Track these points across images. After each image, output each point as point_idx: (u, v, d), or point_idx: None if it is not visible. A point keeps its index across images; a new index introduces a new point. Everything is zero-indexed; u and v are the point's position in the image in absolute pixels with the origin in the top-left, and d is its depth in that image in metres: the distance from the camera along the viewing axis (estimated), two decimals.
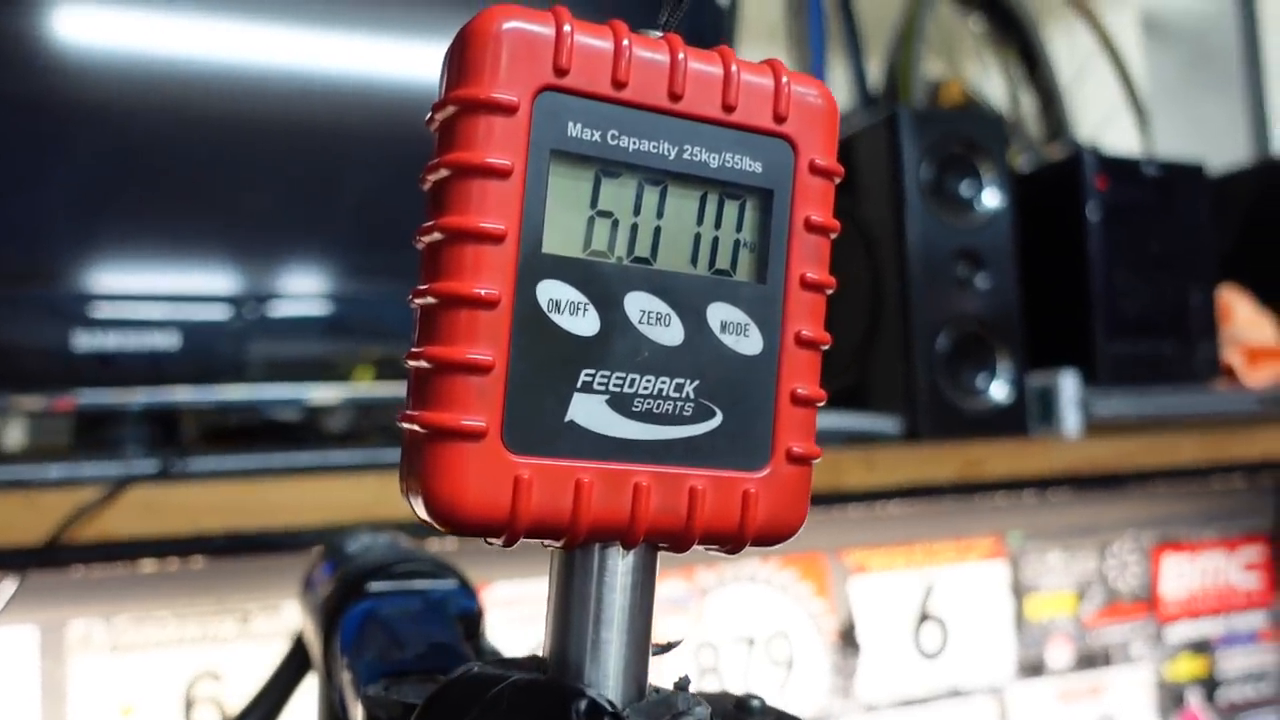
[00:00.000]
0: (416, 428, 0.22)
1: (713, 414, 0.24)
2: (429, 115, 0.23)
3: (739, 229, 0.24)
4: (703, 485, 0.23)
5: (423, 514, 0.22)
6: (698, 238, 0.24)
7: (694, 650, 1.02)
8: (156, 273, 0.85)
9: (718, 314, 0.24)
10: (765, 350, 0.24)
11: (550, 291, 0.22)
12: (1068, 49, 1.86)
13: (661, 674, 0.25)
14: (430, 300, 0.22)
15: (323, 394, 0.86)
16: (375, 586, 0.39)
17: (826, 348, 0.25)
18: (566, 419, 0.22)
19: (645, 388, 0.23)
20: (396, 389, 0.87)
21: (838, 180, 0.25)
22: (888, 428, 0.94)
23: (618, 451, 0.23)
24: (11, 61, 0.80)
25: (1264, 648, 1.32)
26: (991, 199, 1.02)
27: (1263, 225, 1.38)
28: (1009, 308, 1.01)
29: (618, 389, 0.23)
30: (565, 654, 0.23)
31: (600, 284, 0.23)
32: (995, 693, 1.14)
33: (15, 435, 0.88)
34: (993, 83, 1.87)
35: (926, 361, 0.97)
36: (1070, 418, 0.99)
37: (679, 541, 0.23)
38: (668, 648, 0.25)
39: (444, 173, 0.22)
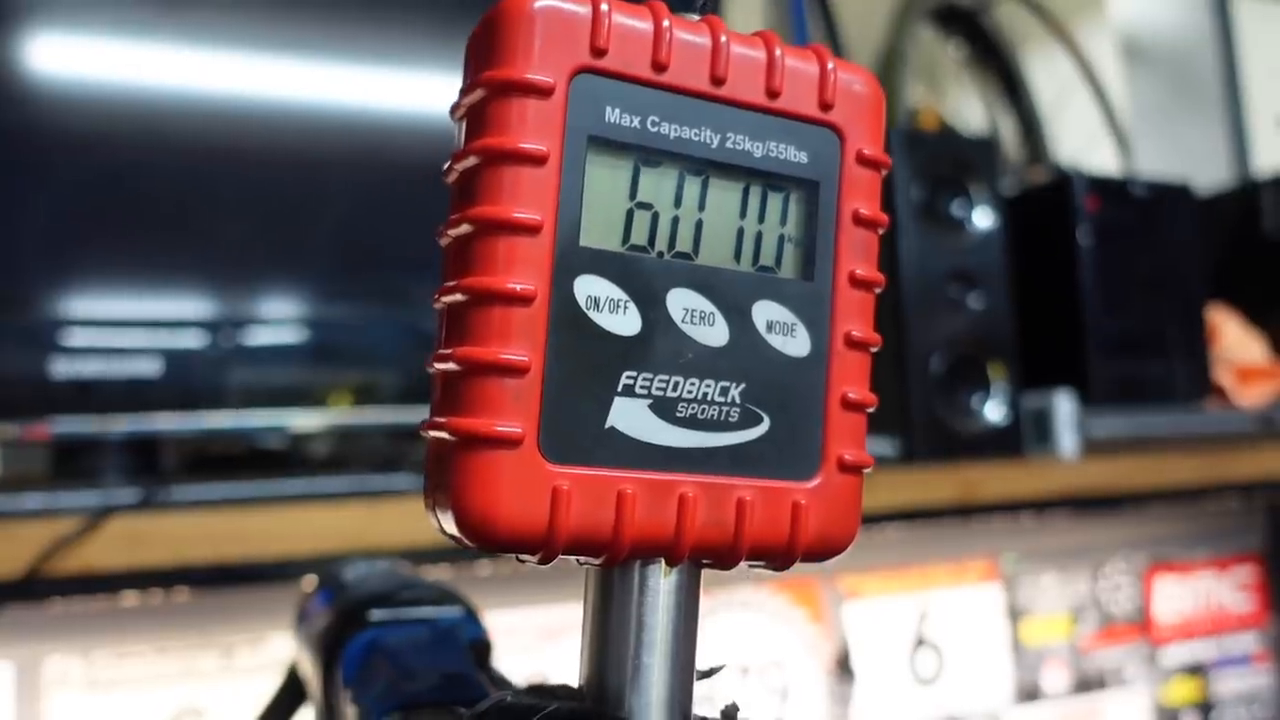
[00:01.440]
0: (445, 435, 0.20)
1: (760, 420, 0.22)
2: (453, 103, 0.22)
3: (784, 223, 0.23)
4: (751, 496, 0.21)
5: (452, 529, 0.20)
6: (741, 231, 0.22)
7: None
8: (135, 300, 0.83)
9: (764, 313, 0.22)
10: (814, 352, 0.23)
11: (589, 287, 0.21)
12: (1047, 74, 1.88)
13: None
14: (459, 297, 0.20)
15: (304, 420, 0.84)
16: (377, 615, 0.36)
17: (877, 349, 0.23)
18: (607, 425, 0.20)
19: (690, 391, 0.21)
20: (377, 414, 0.86)
21: (885, 172, 0.24)
22: (883, 450, 0.93)
23: (662, 460, 0.21)
24: None
25: (1258, 670, 1.31)
26: (983, 219, 1.02)
27: (1246, 246, 1.38)
28: (1002, 328, 1.00)
29: (661, 393, 0.21)
30: (604, 681, 0.22)
31: (641, 280, 0.21)
32: (993, 719, 1.13)
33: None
34: (973, 107, 1.88)
35: (921, 383, 0.96)
36: (1066, 438, 0.98)
37: (726, 557, 0.22)
38: (712, 673, 0.24)
39: (473, 160, 0.20)
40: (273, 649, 0.84)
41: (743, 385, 0.22)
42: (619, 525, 0.20)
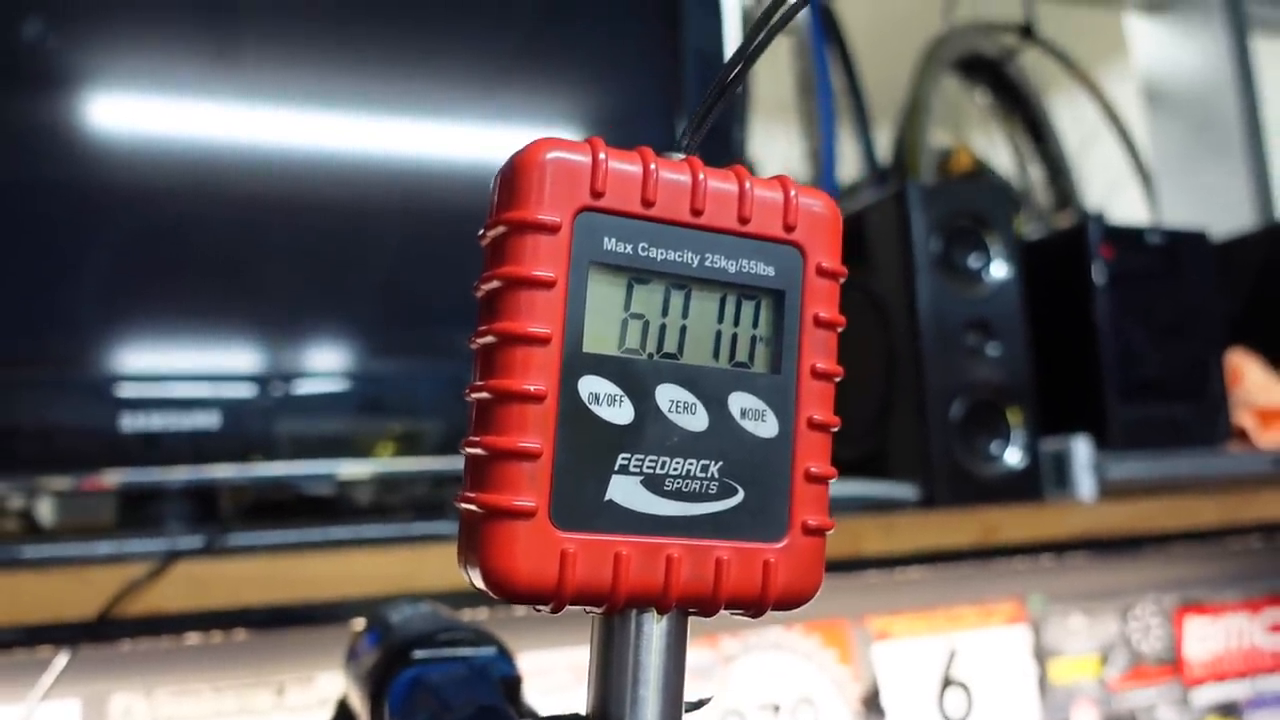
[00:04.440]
0: (474, 508, 0.25)
1: (735, 491, 0.26)
2: (481, 231, 0.27)
3: (755, 325, 0.27)
4: (728, 556, 0.26)
5: (480, 584, 0.25)
6: (719, 334, 0.27)
7: (720, 717, 1.02)
8: (190, 353, 0.89)
9: (738, 402, 0.27)
10: (781, 433, 0.27)
11: (590, 386, 0.25)
12: (1072, 119, 1.91)
13: None
14: (485, 395, 0.25)
15: (351, 469, 0.89)
16: (420, 654, 0.41)
17: (836, 429, 0.28)
18: (606, 498, 0.25)
19: (675, 469, 0.26)
20: (420, 464, 0.90)
21: (842, 280, 0.28)
22: (905, 495, 0.96)
23: (652, 527, 0.25)
24: (49, 152, 0.85)
25: None
26: (999, 270, 1.05)
27: (1270, 289, 1.40)
28: (1020, 375, 1.03)
29: (651, 470, 0.26)
30: (607, 710, 0.26)
31: (634, 378, 0.26)
32: None
33: (61, 513, 0.91)
34: (999, 154, 1.92)
35: (941, 429, 0.99)
36: (1084, 482, 1.01)
37: (707, 606, 0.26)
38: (699, 705, 0.28)
39: (496, 284, 0.25)
40: (321, 688, 0.89)
41: (720, 463, 0.26)
42: (616, 581, 0.25)
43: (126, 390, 0.83)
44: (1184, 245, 1.19)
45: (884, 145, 1.69)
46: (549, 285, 0.25)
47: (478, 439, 0.25)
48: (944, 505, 0.97)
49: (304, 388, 0.89)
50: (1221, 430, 1.15)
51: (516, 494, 0.24)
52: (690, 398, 0.26)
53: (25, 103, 0.84)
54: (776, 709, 1.06)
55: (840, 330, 0.28)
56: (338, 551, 0.74)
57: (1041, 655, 1.18)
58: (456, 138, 0.98)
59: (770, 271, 0.27)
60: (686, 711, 0.27)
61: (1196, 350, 1.17)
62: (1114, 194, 1.91)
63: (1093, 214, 1.61)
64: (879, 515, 0.92)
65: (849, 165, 1.60)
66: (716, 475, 0.26)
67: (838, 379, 0.28)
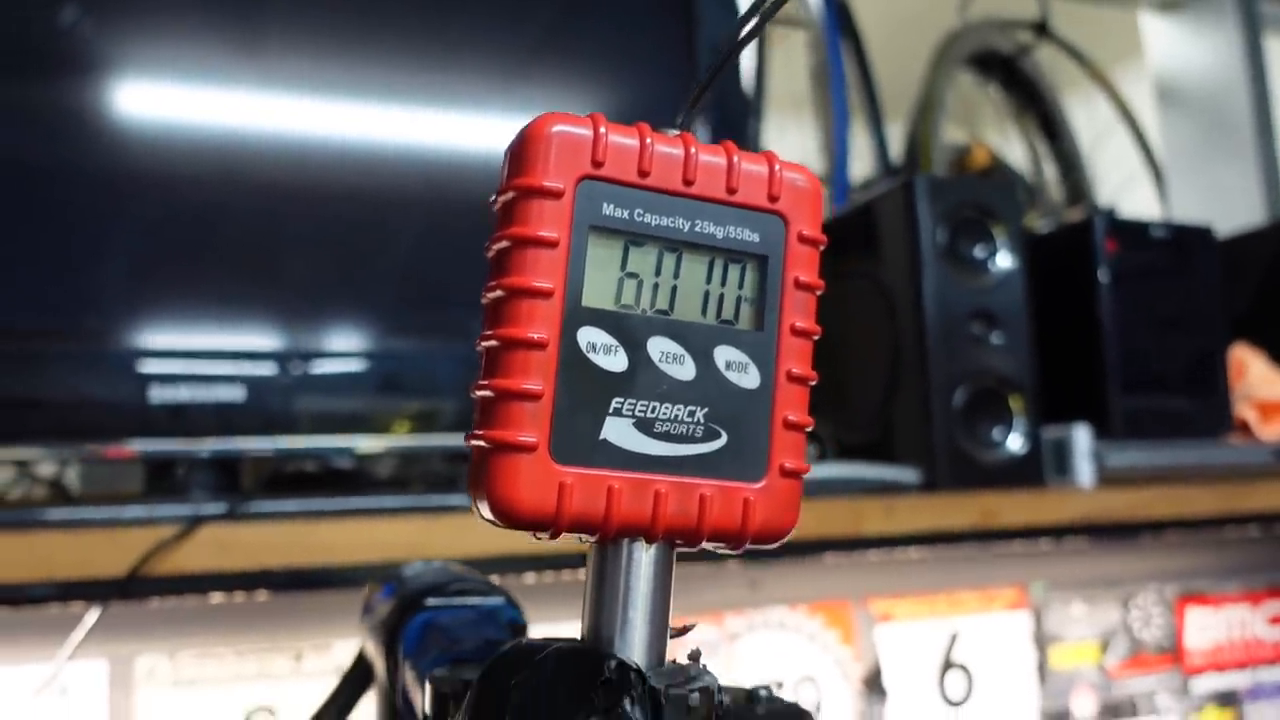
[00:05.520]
0: (482, 444, 0.27)
1: (719, 436, 0.29)
2: (492, 197, 0.29)
3: (741, 287, 0.30)
4: (711, 493, 0.29)
5: (486, 514, 0.28)
6: (707, 294, 0.30)
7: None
8: (215, 332, 0.92)
9: (723, 355, 0.30)
10: (762, 385, 0.30)
11: (588, 336, 0.28)
12: (1086, 117, 1.93)
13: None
14: (494, 343, 0.28)
15: (369, 444, 0.92)
16: (432, 601, 0.44)
17: (814, 383, 0.31)
18: (601, 437, 0.28)
19: (665, 413, 0.29)
20: (435, 440, 0.93)
21: (822, 247, 0.31)
22: (907, 478, 0.98)
23: (642, 464, 0.28)
24: (81, 136, 0.88)
25: None
26: (1004, 261, 1.07)
27: (1278, 285, 1.41)
28: (1023, 364, 1.05)
29: (642, 414, 0.28)
30: (599, 630, 0.29)
31: (628, 330, 0.29)
32: None
33: (90, 482, 0.95)
34: (1013, 150, 1.93)
35: (944, 415, 1.02)
36: (1084, 469, 1.03)
37: (691, 537, 0.29)
38: (684, 631, 0.31)
39: (505, 243, 0.28)
40: (337, 655, 0.92)
41: (706, 409, 0.29)
42: (608, 511, 0.27)
43: (154, 364, 0.86)
44: (1189, 239, 1.21)
45: (898, 142, 1.71)
46: (552, 245, 0.28)
47: (486, 382, 0.28)
48: (945, 489, 0.99)
49: (325, 366, 0.92)
50: (1222, 422, 1.17)
51: (520, 430, 0.27)
52: (679, 350, 0.29)
53: (59, 88, 0.87)
54: (779, 686, 1.08)
55: (819, 293, 0.31)
56: (355, 520, 0.78)
57: (1042, 641, 1.20)
58: (476, 129, 1.01)
59: (755, 238, 0.30)
60: (672, 637, 0.30)
61: (1199, 343, 1.19)
62: (1126, 191, 1.92)
63: (1101, 209, 1.62)
64: (881, 497, 0.95)
65: (862, 161, 1.62)
66: (702, 420, 0.29)
67: (816, 337, 0.30)
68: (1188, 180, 1.73)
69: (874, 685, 1.11)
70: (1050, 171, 1.92)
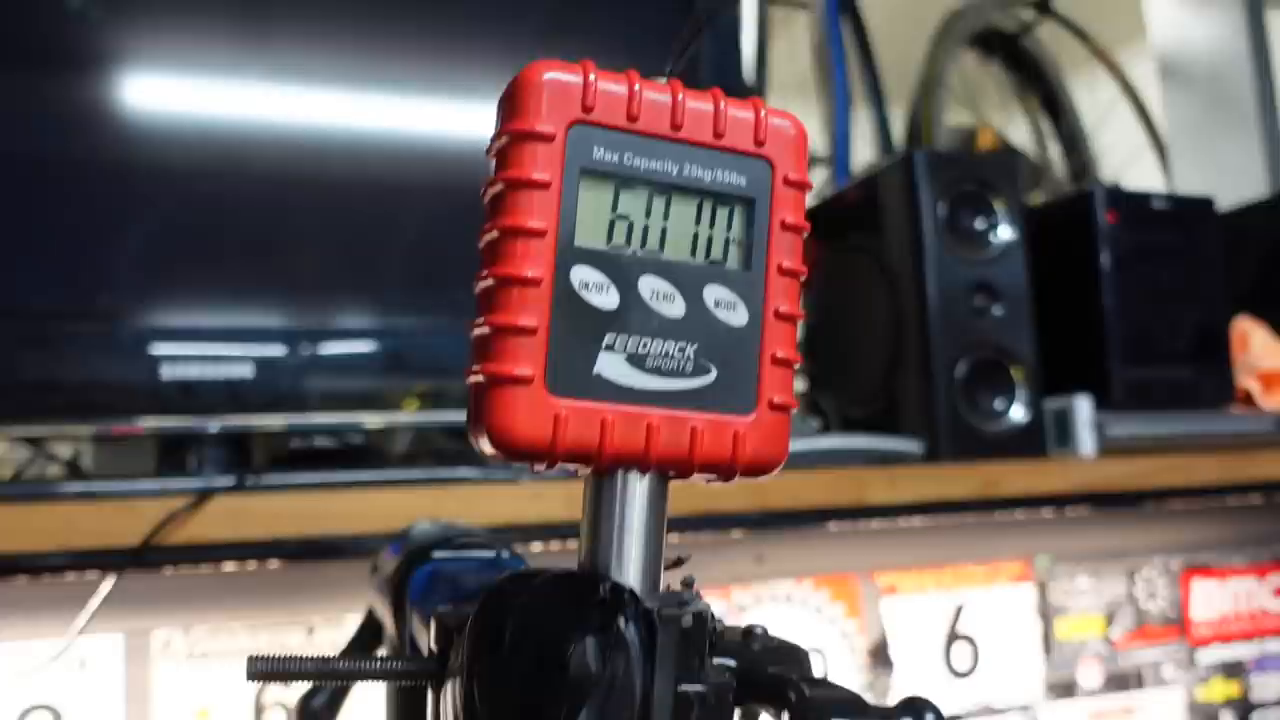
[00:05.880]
0: (480, 379, 0.29)
1: (709, 371, 0.30)
2: (488, 144, 0.30)
3: (729, 228, 0.31)
4: (701, 426, 0.30)
5: (486, 447, 0.29)
6: (696, 235, 0.31)
7: None
8: (227, 313, 0.94)
9: (712, 294, 0.31)
10: (751, 322, 0.31)
11: (581, 275, 0.29)
12: (1090, 95, 1.93)
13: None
14: (490, 282, 0.29)
15: (378, 420, 0.94)
16: (438, 554, 0.45)
17: (800, 321, 0.32)
18: (594, 372, 0.29)
19: (656, 349, 0.30)
20: (443, 416, 0.95)
21: (807, 191, 0.32)
22: (909, 448, 0.99)
23: (634, 398, 0.29)
24: (100, 128, 0.90)
25: None
26: (1005, 233, 1.08)
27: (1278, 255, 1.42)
28: (1024, 336, 1.06)
29: (634, 350, 0.29)
30: (595, 557, 0.30)
31: (620, 269, 0.30)
32: (1027, 711, 1.18)
33: (104, 461, 0.96)
34: (1018, 130, 1.93)
35: (946, 387, 1.02)
36: (1085, 438, 1.04)
37: (683, 468, 0.30)
38: (678, 562, 0.32)
39: (500, 186, 0.29)
40: (349, 628, 0.93)
41: (696, 345, 0.30)
42: (602, 442, 0.29)
43: (165, 344, 0.87)
44: (1190, 211, 1.21)
45: (902, 125, 1.71)
46: (545, 186, 0.29)
47: (483, 320, 0.29)
48: (947, 459, 1.00)
49: (333, 345, 0.94)
50: (1224, 393, 1.18)
51: (516, 364, 0.28)
52: (669, 288, 0.30)
53: (71, 78, 0.88)
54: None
55: (805, 234, 0.32)
56: (364, 492, 0.79)
57: (1047, 613, 1.21)
58: (481, 114, 1.02)
59: (742, 181, 0.31)
60: (667, 568, 0.31)
61: (1201, 315, 1.19)
62: (1130, 167, 1.92)
63: (1108, 184, 1.62)
64: (884, 468, 0.96)
65: (863, 142, 1.63)
66: (692, 356, 0.30)
67: (802, 277, 0.31)
68: (1191, 156, 1.73)
69: (880, 657, 1.13)
70: (1054, 150, 1.92)
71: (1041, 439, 1.05)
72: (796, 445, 0.98)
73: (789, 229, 0.31)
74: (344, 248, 0.97)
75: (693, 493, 0.89)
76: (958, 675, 1.16)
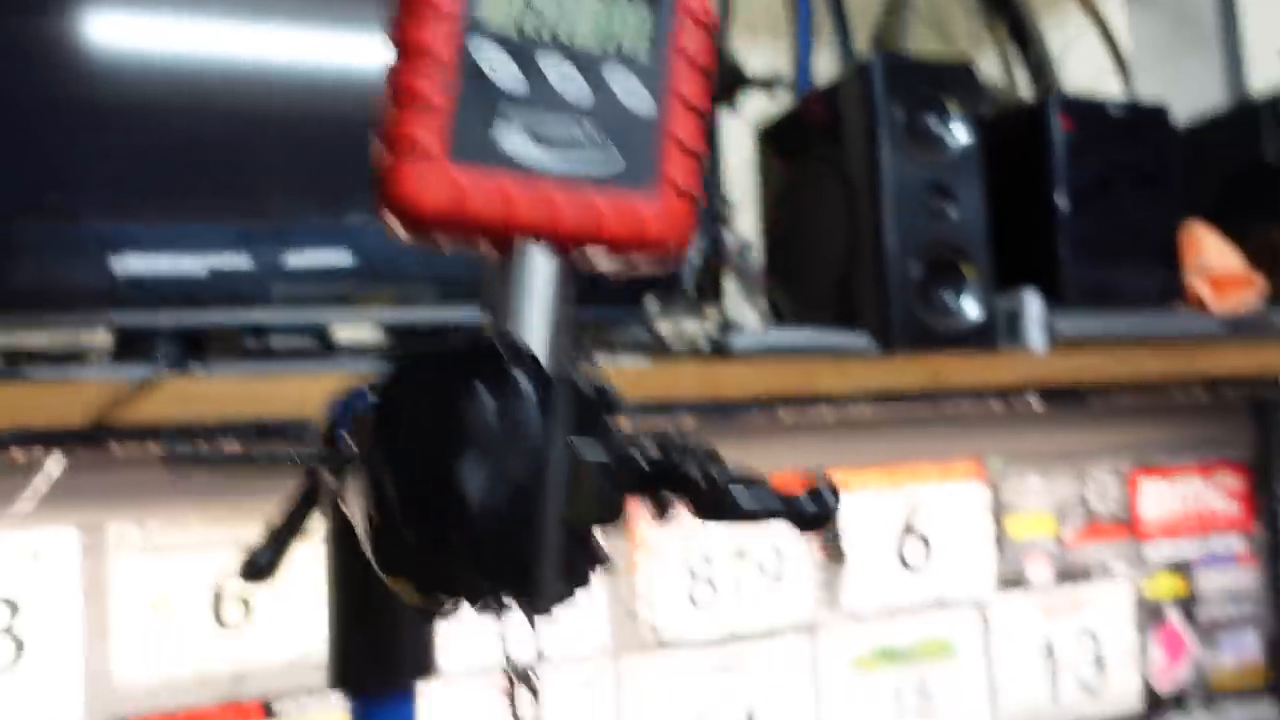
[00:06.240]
0: (385, 151, 0.29)
1: (615, 156, 0.31)
2: None
3: (636, 19, 0.32)
4: (606, 204, 0.31)
5: (396, 226, 0.29)
6: (603, 24, 0.31)
7: (686, 560, 1.09)
8: (189, 220, 0.93)
9: (619, 81, 0.31)
10: (657, 109, 0.32)
11: (486, 53, 0.30)
12: (1057, 23, 1.92)
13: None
14: (394, 56, 0.29)
15: (334, 317, 0.94)
16: (371, 387, 0.46)
17: (705, 114, 0.32)
18: (497, 145, 0.30)
19: (559, 130, 0.30)
20: (402, 315, 0.95)
21: None
22: (858, 343, 1.01)
23: (539, 173, 0.30)
24: (63, 52, 0.89)
25: (1243, 570, 1.37)
26: (961, 137, 1.09)
27: (1239, 165, 1.43)
28: (978, 235, 1.08)
29: (536, 127, 0.30)
30: (502, 326, 0.31)
31: (526, 53, 0.30)
32: (978, 605, 1.21)
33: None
34: (988, 60, 1.93)
35: (901, 284, 1.04)
36: (1035, 334, 1.06)
37: (589, 243, 0.31)
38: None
39: None
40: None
41: (601, 129, 0.31)
42: (508, 213, 0.29)
43: (122, 241, 0.87)
44: (1145, 118, 1.22)
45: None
46: None
47: (389, 95, 0.29)
48: (900, 354, 1.01)
49: (295, 253, 0.94)
50: (1174, 294, 1.20)
51: (417, 132, 0.29)
52: (576, 74, 0.31)
53: None
54: (741, 555, 1.12)
55: (710, 27, 0.32)
56: (318, 376, 0.79)
57: (998, 512, 1.23)
58: None
59: None
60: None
61: (1153, 218, 1.21)
62: (1094, 89, 1.92)
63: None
64: (834, 360, 0.97)
65: (828, 69, 1.62)
66: (599, 141, 0.31)
67: (707, 69, 0.32)
68: (1154, 76, 1.74)
69: (833, 553, 1.15)
70: (1022, 79, 1.92)
71: (993, 336, 1.06)
72: (747, 339, 0.99)
73: (696, 21, 0.32)
74: (304, 156, 0.97)
75: (643, 379, 0.90)
76: (909, 569, 1.18)
